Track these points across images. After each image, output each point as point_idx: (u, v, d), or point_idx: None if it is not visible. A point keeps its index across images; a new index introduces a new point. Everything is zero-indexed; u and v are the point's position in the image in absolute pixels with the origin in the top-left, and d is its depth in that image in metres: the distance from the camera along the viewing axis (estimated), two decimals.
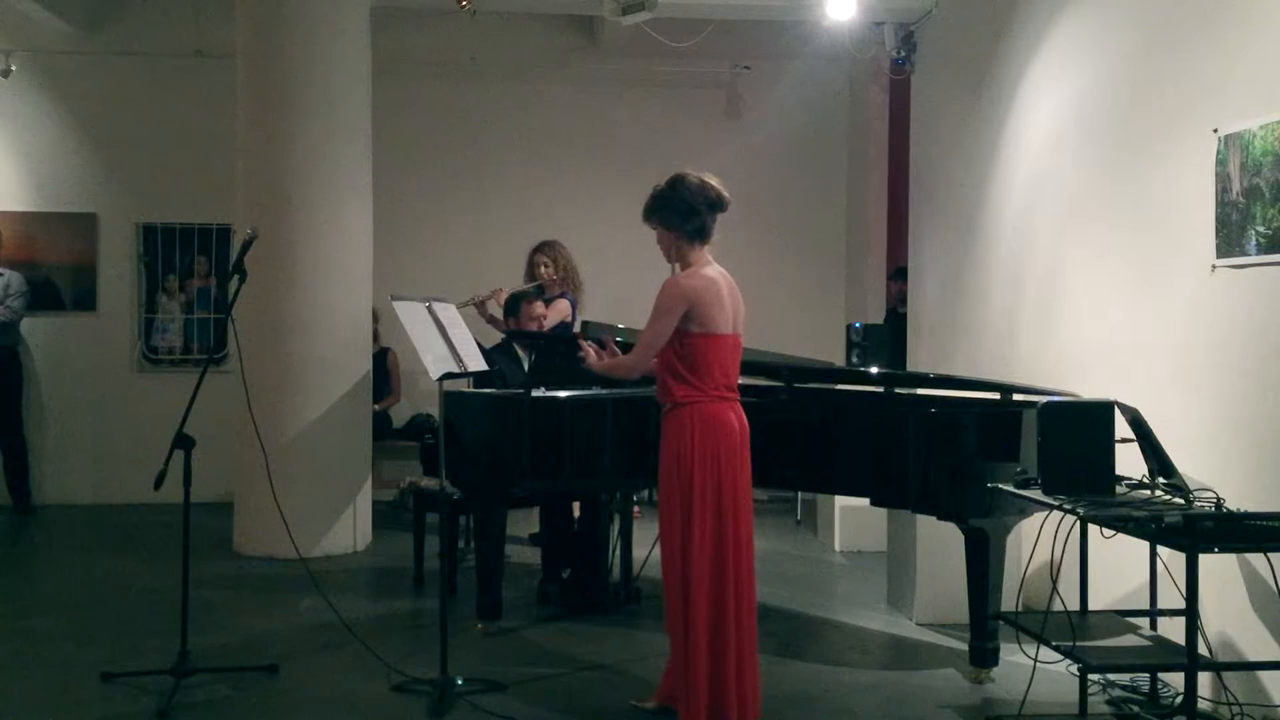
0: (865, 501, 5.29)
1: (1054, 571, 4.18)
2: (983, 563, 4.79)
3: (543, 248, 7.51)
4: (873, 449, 4.97)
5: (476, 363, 4.92)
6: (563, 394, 5.50)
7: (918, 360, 7.83)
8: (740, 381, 4.33)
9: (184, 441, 4.58)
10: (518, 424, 5.34)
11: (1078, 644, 3.93)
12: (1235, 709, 4.12)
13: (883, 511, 6.12)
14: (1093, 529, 4.43)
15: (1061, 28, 5.90)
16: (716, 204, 4.21)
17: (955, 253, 7.19)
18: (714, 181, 4.22)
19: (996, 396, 5.13)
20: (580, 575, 6.13)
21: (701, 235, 4.22)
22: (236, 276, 4.77)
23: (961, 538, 4.82)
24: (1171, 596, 4.27)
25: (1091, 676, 4.26)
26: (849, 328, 8.28)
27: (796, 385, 5.72)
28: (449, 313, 4.98)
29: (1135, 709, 4.41)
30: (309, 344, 7.21)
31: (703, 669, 4.07)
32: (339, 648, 5.22)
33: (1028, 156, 6.25)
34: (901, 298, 8.57)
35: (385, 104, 8.00)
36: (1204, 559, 3.72)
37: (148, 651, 5.00)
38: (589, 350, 4.48)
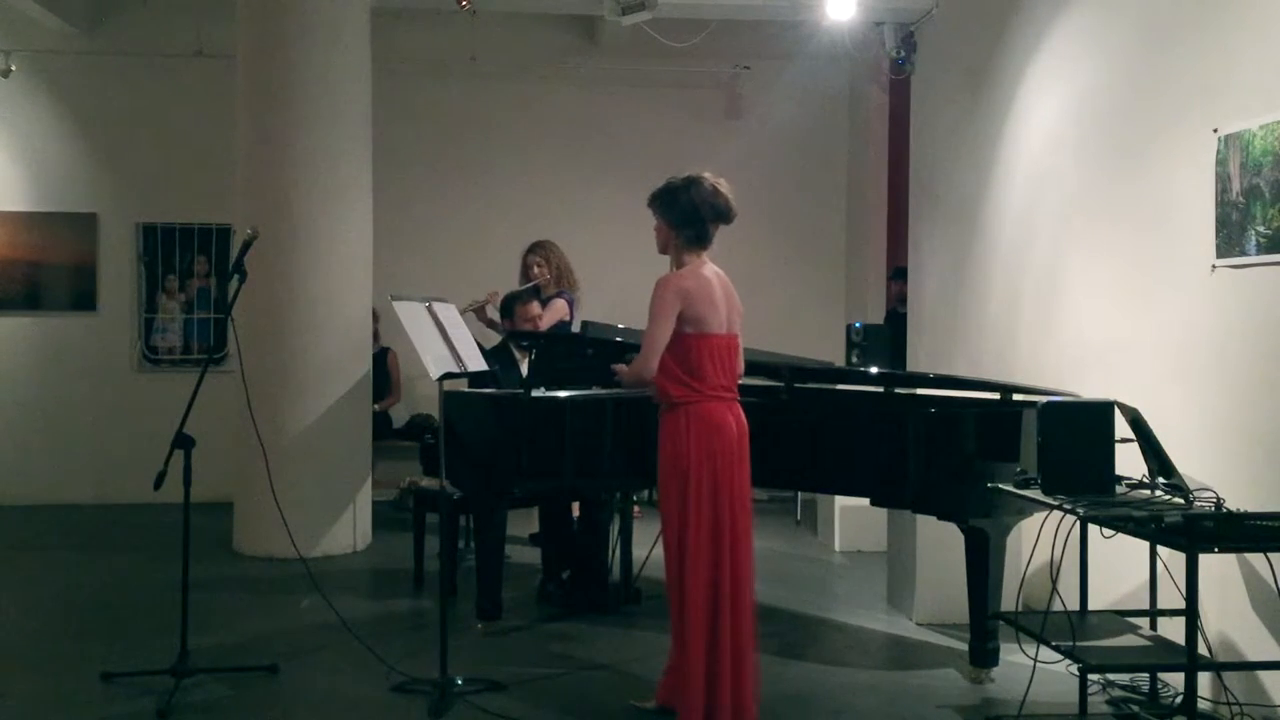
0: (865, 501, 5.29)
1: (1054, 571, 4.18)
2: (983, 563, 4.79)
3: (535, 248, 7.51)
4: (873, 449, 4.96)
5: (476, 363, 4.91)
6: (563, 394, 5.50)
7: (918, 360, 7.83)
8: (740, 381, 4.33)
9: (184, 441, 4.59)
10: (517, 424, 5.34)
11: (1078, 644, 3.92)
12: (1235, 709, 4.12)
13: (883, 511, 6.11)
14: (1093, 529, 4.43)
15: (1061, 28, 5.90)
16: (722, 215, 4.21)
17: (955, 253, 7.19)
18: (726, 191, 4.21)
19: (996, 396, 5.13)
20: (580, 575, 6.13)
21: (699, 241, 4.22)
22: (236, 276, 4.77)
23: (961, 538, 4.82)
24: (1171, 596, 4.27)
25: (1091, 676, 4.25)
26: (849, 328, 8.27)
27: (796, 385, 5.72)
28: (449, 313, 4.97)
29: (1135, 709, 4.41)
30: (309, 344, 7.21)
31: (699, 669, 4.07)
32: (339, 648, 5.21)
33: (1028, 156, 6.25)
34: (901, 298, 8.57)
35: (385, 104, 7.99)
36: (1204, 559, 3.72)
37: (148, 651, 5.00)
38: (621, 370, 4.39)
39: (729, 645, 4.11)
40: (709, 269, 4.22)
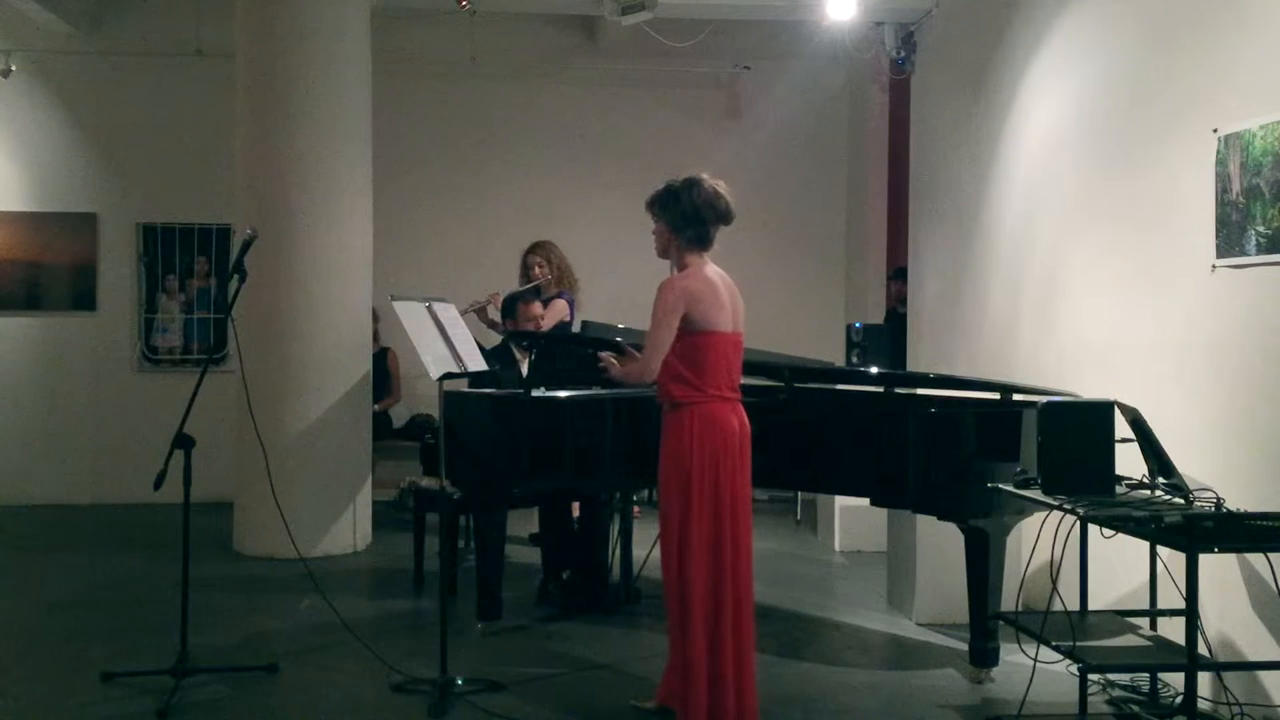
0: (865, 501, 5.29)
1: (1054, 571, 4.18)
2: (983, 563, 4.79)
3: (536, 248, 7.51)
4: (873, 449, 4.97)
5: (476, 363, 4.91)
6: (563, 394, 5.50)
7: (918, 360, 7.83)
8: (741, 381, 4.33)
9: (184, 441, 4.59)
10: (517, 424, 5.34)
11: (1078, 644, 3.92)
12: (1235, 709, 4.12)
13: (883, 511, 6.11)
14: (1093, 529, 4.43)
15: (1061, 28, 5.90)
16: (723, 216, 4.20)
17: (955, 253, 7.19)
18: (726, 193, 4.20)
19: (996, 396, 5.13)
20: (580, 575, 6.13)
21: (701, 243, 4.21)
22: (236, 276, 4.77)
23: (961, 538, 4.82)
24: (1171, 596, 4.27)
25: (1091, 676, 4.25)
26: (849, 328, 8.27)
27: (797, 385, 5.72)
28: (449, 313, 4.97)
29: (1135, 709, 4.41)
30: (309, 344, 7.21)
31: (702, 670, 4.07)
32: (339, 648, 5.22)
33: (1028, 156, 6.25)
34: (901, 298, 8.57)
35: (385, 104, 8.00)
36: (1204, 559, 3.72)
37: (148, 651, 5.00)
38: (610, 362, 4.41)
39: (731, 646, 4.11)
40: (711, 269, 4.22)
